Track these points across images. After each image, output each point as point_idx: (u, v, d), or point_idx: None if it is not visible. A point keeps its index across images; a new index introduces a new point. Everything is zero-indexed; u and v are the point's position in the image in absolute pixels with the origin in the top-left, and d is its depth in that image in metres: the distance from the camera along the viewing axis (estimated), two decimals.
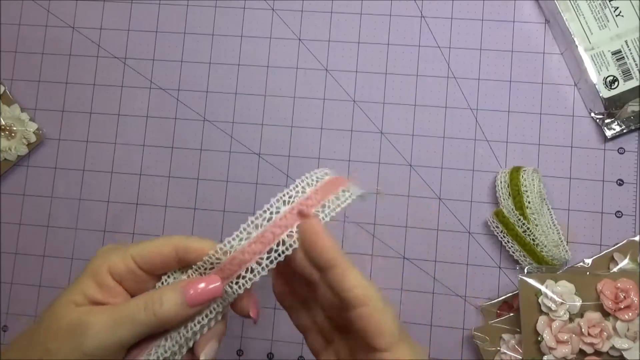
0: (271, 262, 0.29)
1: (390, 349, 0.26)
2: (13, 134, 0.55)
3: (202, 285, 0.29)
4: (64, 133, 0.56)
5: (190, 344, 0.30)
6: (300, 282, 0.31)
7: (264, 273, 0.29)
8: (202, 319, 0.30)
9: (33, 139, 0.55)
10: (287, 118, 0.54)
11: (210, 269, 0.29)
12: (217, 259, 0.29)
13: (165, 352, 0.29)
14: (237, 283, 0.29)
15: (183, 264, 0.31)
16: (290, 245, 0.29)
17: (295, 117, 0.54)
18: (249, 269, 0.29)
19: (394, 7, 0.54)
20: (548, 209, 0.51)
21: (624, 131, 0.51)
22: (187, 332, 0.30)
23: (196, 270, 0.30)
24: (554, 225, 0.51)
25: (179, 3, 0.56)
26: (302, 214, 0.29)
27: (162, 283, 0.31)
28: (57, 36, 0.57)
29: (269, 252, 0.29)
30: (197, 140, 0.55)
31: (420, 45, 0.54)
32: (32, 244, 0.56)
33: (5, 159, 0.55)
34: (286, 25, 0.55)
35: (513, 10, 0.53)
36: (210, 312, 0.30)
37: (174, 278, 0.31)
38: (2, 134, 0.55)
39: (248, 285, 0.29)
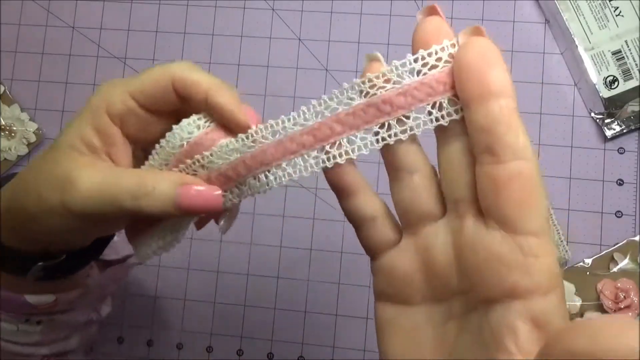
0: (426, 122, 0.23)
1: (540, 235, 0.19)
2: (13, 134, 0.55)
3: (200, 191, 0.25)
4: None
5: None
6: None
7: (415, 132, 0.23)
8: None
9: (33, 139, 0.55)
10: None
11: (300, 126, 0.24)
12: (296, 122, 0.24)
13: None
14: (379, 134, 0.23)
15: (185, 100, 0.26)
16: (451, 113, 0.21)
17: None
18: (393, 123, 0.22)
19: (394, 7, 0.54)
20: (548, 209, 0.51)
21: (624, 131, 0.51)
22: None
23: (263, 132, 0.25)
24: (554, 225, 0.51)
25: (179, 3, 0.56)
26: (477, 32, 0.20)
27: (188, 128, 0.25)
28: (57, 36, 0.57)
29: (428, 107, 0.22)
30: None
31: None
32: None
33: (5, 158, 0.55)
34: (286, 25, 0.55)
35: (513, 10, 0.53)
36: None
37: (197, 126, 0.25)
38: (2, 134, 0.55)
39: (380, 145, 0.23)
